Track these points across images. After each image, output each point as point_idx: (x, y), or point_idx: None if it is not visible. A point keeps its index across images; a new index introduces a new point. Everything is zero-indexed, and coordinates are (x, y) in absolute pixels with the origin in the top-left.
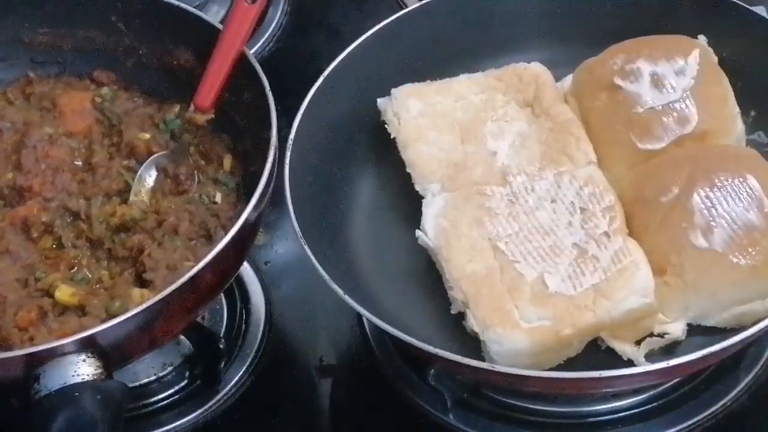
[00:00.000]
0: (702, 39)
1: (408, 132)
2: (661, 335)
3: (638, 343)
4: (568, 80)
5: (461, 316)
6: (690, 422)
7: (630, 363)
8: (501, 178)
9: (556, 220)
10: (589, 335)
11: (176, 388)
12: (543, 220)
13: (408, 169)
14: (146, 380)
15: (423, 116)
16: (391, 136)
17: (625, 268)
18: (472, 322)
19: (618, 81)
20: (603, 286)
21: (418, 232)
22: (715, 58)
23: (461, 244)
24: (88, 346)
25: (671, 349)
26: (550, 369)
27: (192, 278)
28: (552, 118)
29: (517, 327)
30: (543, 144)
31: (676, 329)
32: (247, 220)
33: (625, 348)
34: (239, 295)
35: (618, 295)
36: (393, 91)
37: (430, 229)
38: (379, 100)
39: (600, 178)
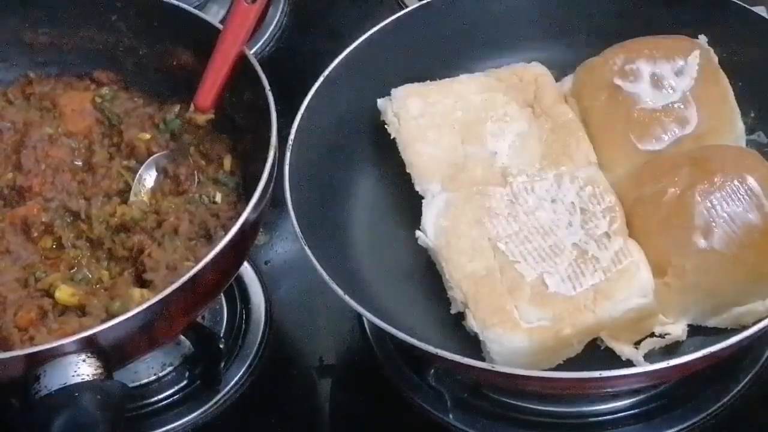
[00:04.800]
0: (702, 39)
1: (408, 132)
2: (661, 336)
3: (638, 343)
4: (568, 80)
5: (461, 316)
6: (690, 422)
7: (630, 363)
8: (501, 178)
9: (556, 220)
10: (589, 335)
11: (176, 388)
12: (543, 221)
13: (408, 169)
14: (146, 380)
15: (423, 116)
16: (391, 137)
17: (625, 269)
18: (472, 322)
19: (618, 81)
20: (603, 287)
21: (418, 232)
22: (715, 58)
23: (461, 244)
24: (88, 346)
25: (671, 349)
26: (550, 369)
27: (192, 278)
28: (552, 119)
29: (516, 327)
30: (543, 144)
31: (677, 330)
32: (247, 220)
33: (624, 348)
34: (239, 295)
35: (618, 296)
36: (393, 91)
37: (430, 229)
38: (379, 101)
39: (600, 179)
